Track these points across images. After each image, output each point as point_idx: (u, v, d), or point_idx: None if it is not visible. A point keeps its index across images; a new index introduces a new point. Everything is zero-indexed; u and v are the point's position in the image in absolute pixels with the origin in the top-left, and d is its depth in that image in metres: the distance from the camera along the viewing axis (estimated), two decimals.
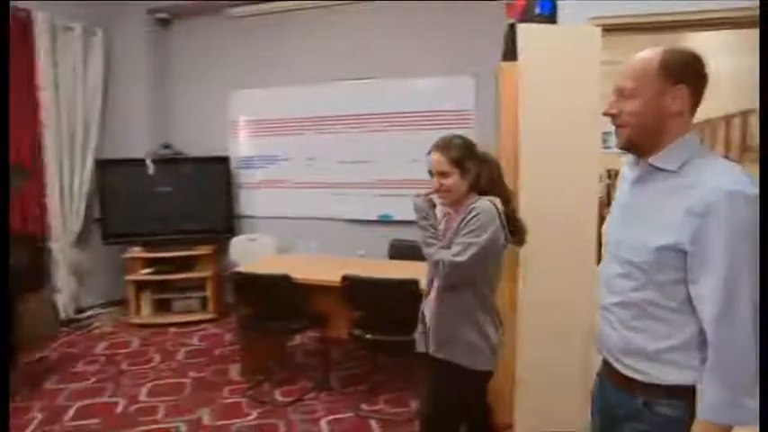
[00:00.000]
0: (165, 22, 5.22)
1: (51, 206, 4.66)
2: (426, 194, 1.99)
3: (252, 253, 4.74)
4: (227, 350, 4.15)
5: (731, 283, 1.16)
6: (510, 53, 2.87)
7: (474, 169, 1.93)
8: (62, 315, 4.73)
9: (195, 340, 4.42)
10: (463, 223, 1.86)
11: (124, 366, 3.88)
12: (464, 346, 1.90)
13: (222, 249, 4.98)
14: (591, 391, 1.53)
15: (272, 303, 3.42)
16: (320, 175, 4.85)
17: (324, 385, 3.45)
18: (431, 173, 1.95)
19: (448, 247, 1.88)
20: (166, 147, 5.16)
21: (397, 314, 2.83)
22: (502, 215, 1.90)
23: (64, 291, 4.76)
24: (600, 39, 2.62)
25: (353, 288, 3.09)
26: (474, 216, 1.83)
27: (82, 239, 4.96)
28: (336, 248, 4.52)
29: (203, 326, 4.74)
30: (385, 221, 4.58)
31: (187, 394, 3.41)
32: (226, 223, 5.06)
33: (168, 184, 4.92)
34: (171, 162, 5.00)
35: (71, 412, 3.17)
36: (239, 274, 3.51)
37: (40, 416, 3.12)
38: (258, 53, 4.92)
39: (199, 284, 4.96)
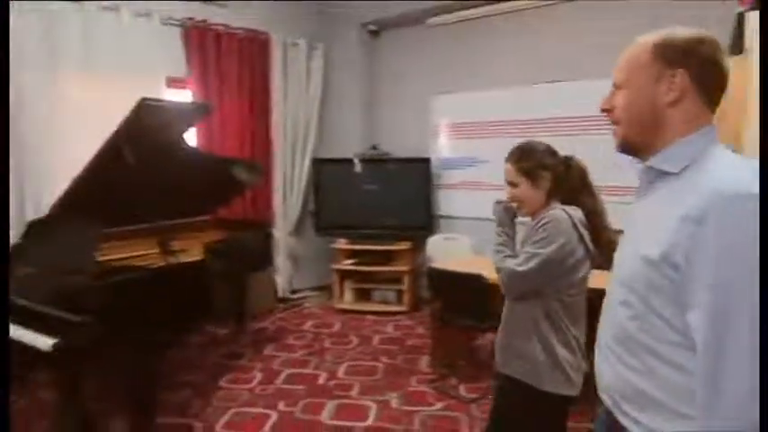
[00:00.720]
0: (374, 34, 5.65)
1: (275, 199, 5.37)
2: (506, 202, 1.92)
3: (448, 251, 4.87)
4: (419, 342, 4.35)
5: (722, 313, 0.89)
6: (737, 46, 2.56)
7: (550, 178, 1.80)
8: (279, 293, 5.43)
9: (389, 329, 4.72)
10: (532, 232, 1.75)
11: (327, 345, 4.31)
12: (530, 362, 1.77)
13: (419, 246, 5.20)
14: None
15: (464, 301, 3.49)
16: None
17: None
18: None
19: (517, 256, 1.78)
20: (374, 148, 5.59)
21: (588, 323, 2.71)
22: (580, 226, 1.72)
23: (281, 273, 5.45)
24: None
25: None
26: (542, 226, 1.72)
27: (298, 229, 5.62)
28: None
29: (397, 317, 5.03)
30: None
31: (379, 377, 3.67)
32: (424, 221, 5.27)
33: (374, 182, 5.31)
34: (377, 162, 5.39)
35: (283, 376, 3.65)
36: (435, 270, 3.67)
37: (260, 375, 3.66)
38: (459, 59, 5.06)
39: (396, 278, 5.27)
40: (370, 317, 5.05)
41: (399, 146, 5.48)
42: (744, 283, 0.88)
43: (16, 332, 2.47)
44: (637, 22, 4.02)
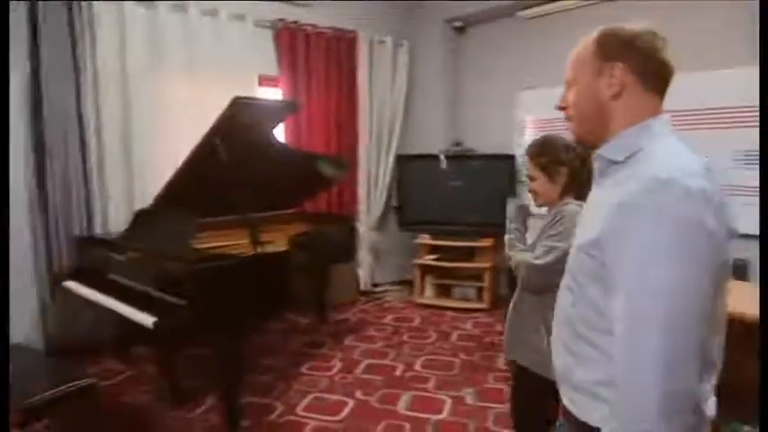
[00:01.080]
0: (459, 30, 5.63)
1: (360, 194, 5.50)
2: (520, 201, 2.05)
3: None
4: (497, 339, 4.30)
5: (637, 301, 0.90)
6: None
7: (566, 173, 1.85)
8: (361, 286, 5.57)
9: (468, 326, 4.71)
10: (548, 227, 1.81)
11: (405, 338, 4.38)
12: (539, 353, 1.81)
13: (501, 243, 5.09)
14: None
15: None
16: None
17: None
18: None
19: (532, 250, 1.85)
20: (457, 144, 5.59)
21: None
22: None
23: (364, 266, 5.58)
24: None
25: None
26: (558, 220, 1.79)
27: (381, 224, 5.74)
28: None
29: (476, 314, 5.00)
30: None
31: (455, 373, 3.68)
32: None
33: (457, 178, 5.30)
34: (460, 158, 5.38)
35: (362, 366, 3.76)
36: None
37: (339, 364, 3.79)
38: (545, 53, 4.90)
39: (476, 275, 5.24)
40: (449, 313, 5.06)
41: (483, 142, 5.43)
42: (667, 273, 0.87)
43: (123, 308, 2.74)
44: (725, 19, 3.77)
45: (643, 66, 1.04)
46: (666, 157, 0.98)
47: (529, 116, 5.18)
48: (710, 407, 1.00)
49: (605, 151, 1.08)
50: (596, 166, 1.13)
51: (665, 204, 0.89)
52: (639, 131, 1.04)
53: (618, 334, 0.94)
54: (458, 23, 5.54)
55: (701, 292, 0.88)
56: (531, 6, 4.88)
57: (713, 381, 1.01)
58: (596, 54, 1.08)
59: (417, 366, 3.78)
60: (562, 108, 1.19)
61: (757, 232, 1.80)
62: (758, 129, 3.57)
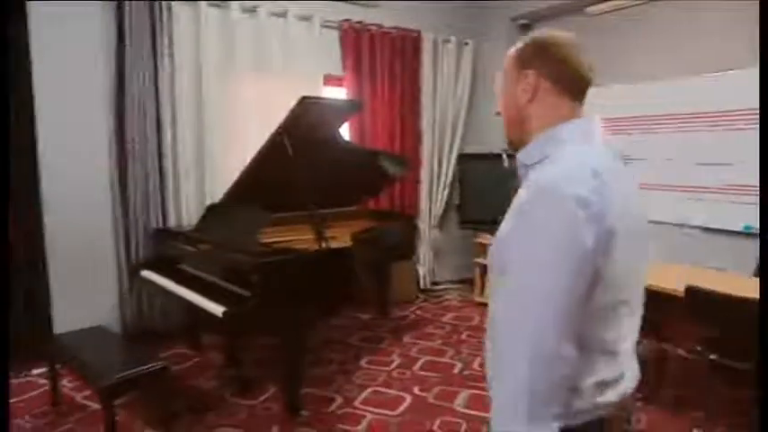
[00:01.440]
0: (525, 28, 5.54)
1: (422, 192, 5.53)
2: None
3: None
4: None
5: (507, 302, 0.97)
6: None
7: None
8: (421, 284, 5.59)
9: None
10: None
11: (464, 337, 4.37)
12: None
13: None
14: None
15: None
16: (675, 177, 4.41)
17: (653, 398, 3.24)
18: None
19: None
20: None
21: (750, 339, 2.47)
22: None
23: (424, 264, 5.61)
24: None
25: (698, 302, 2.81)
26: None
27: (442, 222, 5.74)
28: (684, 257, 4.09)
29: None
30: (749, 233, 3.93)
31: None
32: None
33: (517, 177, 5.23)
34: None
35: (419, 363, 3.79)
36: None
37: (398, 360, 3.84)
38: (612, 50, 4.76)
39: None
40: None
41: None
42: (535, 275, 0.92)
43: (194, 297, 2.89)
44: None
45: (556, 72, 1.09)
46: (558, 164, 1.01)
47: (594, 114, 5.02)
48: (614, 393, 1.03)
49: (521, 155, 1.14)
50: (518, 170, 1.17)
51: (538, 210, 0.95)
52: (547, 138, 1.09)
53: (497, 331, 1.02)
54: (523, 21, 5.45)
55: (568, 294, 0.91)
56: (598, 2, 4.75)
57: (611, 373, 1.03)
58: (515, 62, 1.14)
59: (475, 365, 3.77)
60: (499, 113, 1.24)
61: None
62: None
